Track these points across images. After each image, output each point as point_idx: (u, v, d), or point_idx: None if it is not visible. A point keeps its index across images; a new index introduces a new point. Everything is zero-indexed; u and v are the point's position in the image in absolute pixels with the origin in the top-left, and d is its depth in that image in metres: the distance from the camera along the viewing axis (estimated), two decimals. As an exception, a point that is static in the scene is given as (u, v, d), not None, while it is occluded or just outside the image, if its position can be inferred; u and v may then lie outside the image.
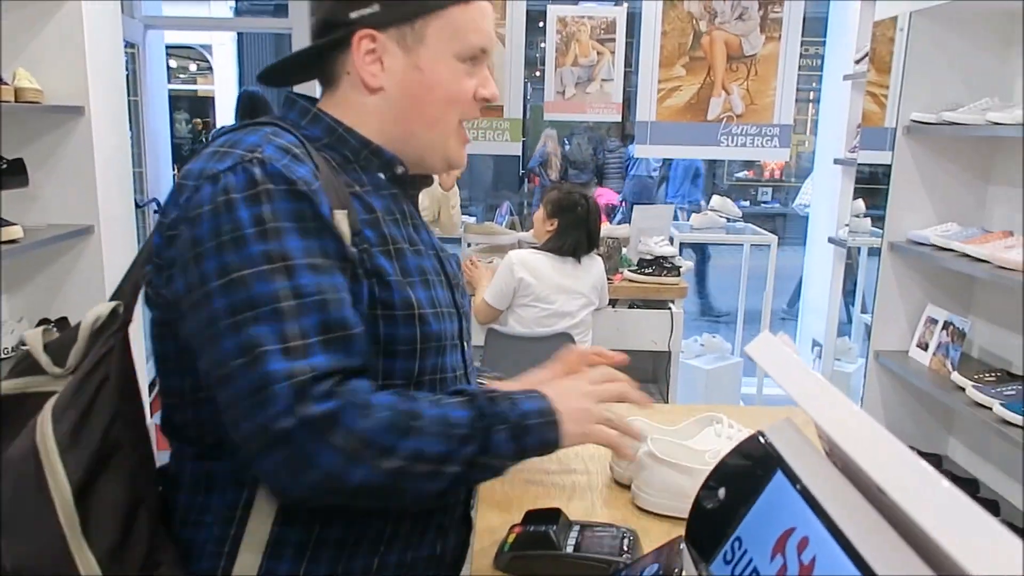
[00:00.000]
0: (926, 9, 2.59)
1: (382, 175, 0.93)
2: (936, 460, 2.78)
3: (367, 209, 0.88)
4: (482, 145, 4.07)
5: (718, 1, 3.89)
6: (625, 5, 4.14)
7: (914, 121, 2.65)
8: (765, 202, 10.60)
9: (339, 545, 0.85)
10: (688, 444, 1.08)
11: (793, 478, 0.54)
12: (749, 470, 0.58)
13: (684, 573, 0.64)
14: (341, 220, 0.82)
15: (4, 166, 2.46)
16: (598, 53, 4.02)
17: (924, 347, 2.70)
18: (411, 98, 0.91)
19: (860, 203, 3.46)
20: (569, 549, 0.90)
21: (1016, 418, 2.14)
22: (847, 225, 3.57)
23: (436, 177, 1.07)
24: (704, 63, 3.97)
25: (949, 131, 2.53)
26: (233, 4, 11.31)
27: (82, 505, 0.77)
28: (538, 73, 4.21)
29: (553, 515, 0.95)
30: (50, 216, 2.65)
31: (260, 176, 0.78)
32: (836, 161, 3.89)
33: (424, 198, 0.99)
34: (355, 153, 0.91)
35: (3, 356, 2.39)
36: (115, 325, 0.85)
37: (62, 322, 2.51)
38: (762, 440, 0.59)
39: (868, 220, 3.37)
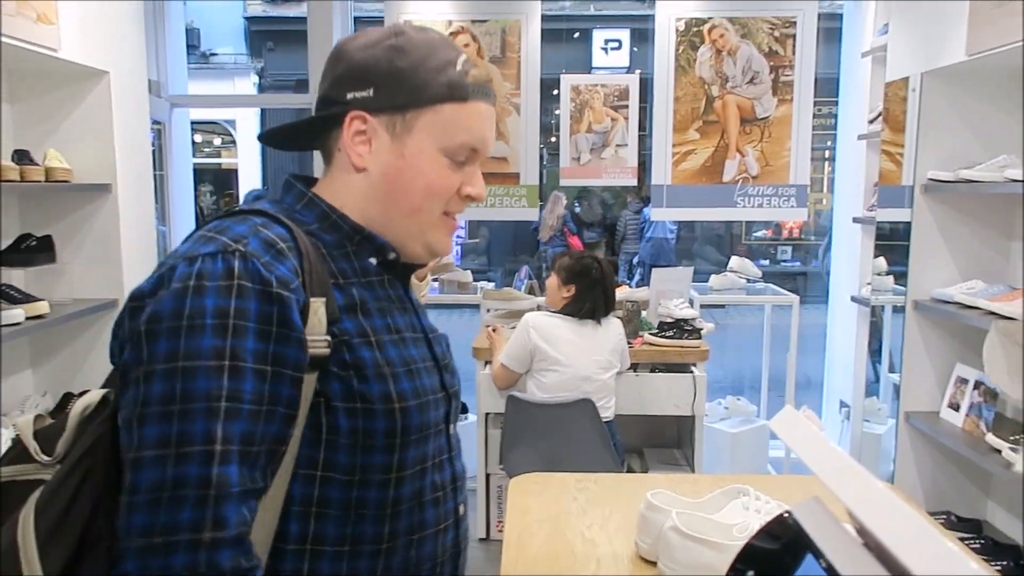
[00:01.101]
0: (937, 70, 2.61)
1: (373, 260, 0.94)
2: (976, 525, 2.68)
3: (350, 300, 0.88)
4: (499, 211, 4.12)
5: (729, 66, 3.96)
6: (638, 72, 4.23)
7: (931, 179, 2.64)
8: (785, 261, 10.58)
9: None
10: (715, 518, 1.05)
11: (823, 561, 0.51)
12: (778, 553, 0.56)
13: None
14: (318, 309, 0.82)
15: (33, 243, 2.52)
16: (612, 119, 4.09)
17: (956, 407, 2.63)
18: (391, 183, 0.91)
19: (882, 261, 3.43)
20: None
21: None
22: (869, 283, 3.54)
23: None
24: (718, 126, 4.02)
25: (967, 188, 2.52)
26: (256, 81, 11.73)
27: None
28: (554, 139, 4.28)
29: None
30: (76, 291, 2.69)
31: (238, 270, 0.78)
32: (855, 219, 3.87)
33: None
34: (347, 238, 0.92)
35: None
36: (105, 412, 0.83)
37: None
38: (790, 520, 0.57)
39: (891, 278, 3.34)
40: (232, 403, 0.75)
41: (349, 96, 0.90)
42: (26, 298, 2.35)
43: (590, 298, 2.79)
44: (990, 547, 2.54)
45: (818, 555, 0.52)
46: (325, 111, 0.92)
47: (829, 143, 6.60)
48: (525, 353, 2.79)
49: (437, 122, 0.90)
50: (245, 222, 0.84)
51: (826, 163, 8.54)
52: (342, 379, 0.84)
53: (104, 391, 0.86)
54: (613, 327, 2.88)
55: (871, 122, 3.69)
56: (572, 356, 2.75)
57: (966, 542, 2.45)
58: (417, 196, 0.92)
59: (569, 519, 1.24)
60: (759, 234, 10.67)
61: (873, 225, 3.47)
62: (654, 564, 1.06)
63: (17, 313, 2.23)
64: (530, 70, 4.03)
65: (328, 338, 0.83)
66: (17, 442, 0.85)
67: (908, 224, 2.77)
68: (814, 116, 4.04)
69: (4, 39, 2.13)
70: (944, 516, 2.68)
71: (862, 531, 0.59)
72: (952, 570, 0.41)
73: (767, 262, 10.26)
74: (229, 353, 0.75)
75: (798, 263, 10.24)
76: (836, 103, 4.41)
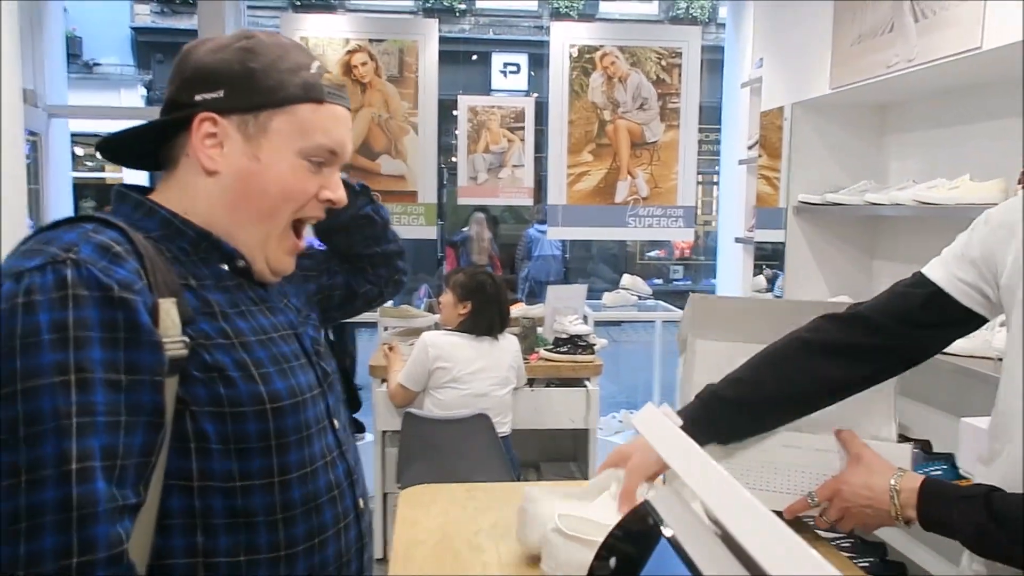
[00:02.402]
0: (805, 101, 2.82)
1: (224, 266, 0.91)
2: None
3: (205, 303, 0.86)
4: (397, 229, 4.09)
5: (620, 92, 4.13)
6: (534, 96, 4.34)
7: (802, 202, 2.84)
8: (677, 280, 11.00)
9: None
10: (596, 519, 1.09)
11: (674, 543, 0.56)
12: (636, 538, 0.60)
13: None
14: (169, 310, 0.79)
15: None
16: (508, 140, 4.17)
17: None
18: (245, 186, 0.89)
19: (761, 279, 3.64)
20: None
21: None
22: (750, 300, 3.74)
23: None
24: (610, 149, 4.17)
25: (834, 211, 2.72)
26: (145, 93, 11.26)
27: None
28: (454, 159, 4.34)
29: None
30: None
31: (71, 279, 0.73)
32: (737, 239, 4.09)
33: None
34: (193, 245, 0.89)
35: None
36: None
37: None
38: (647, 508, 0.61)
39: (770, 295, 3.55)
40: (84, 418, 0.71)
41: (198, 98, 0.87)
42: None
43: (486, 314, 2.82)
44: (858, 546, 2.71)
45: (670, 538, 0.57)
46: (171, 114, 0.89)
47: (716, 167, 6.96)
48: (423, 372, 2.79)
49: (294, 123, 0.89)
50: (74, 229, 0.79)
51: (714, 187, 8.98)
52: (205, 383, 0.82)
53: None
54: (509, 343, 2.92)
55: (750, 148, 3.92)
56: (469, 374, 2.78)
57: (834, 543, 2.61)
58: (272, 199, 0.90)
59: (457, 527, 1.26)
60: (652, 254, 11.07)
61: (752, 245, 3.68)
62: (537, 565, 1.10)
63: None
64: (427, 90, 4.07)
65: (185, 339, 0.80)
66: None
67: (783, 244, 2.95)
68: (700, 142, 4.27)
69: None
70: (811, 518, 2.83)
71: (715, 520, 0.64)
72: (793, 559, 0.45)
73: (660, 281, 10.64)
74: (74, 367, 0.71)
75: (689, 281, 10.67)
76: (719, 129, 4.67)
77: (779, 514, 0.97)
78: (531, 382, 3.17)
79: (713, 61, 4.72)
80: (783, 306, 1.97)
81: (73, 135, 4.66)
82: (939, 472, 2.23)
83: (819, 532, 1.36)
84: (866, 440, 1.17)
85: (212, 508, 0.82)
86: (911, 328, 1.11)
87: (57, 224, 0.82)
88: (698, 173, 4.39)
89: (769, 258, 3.61)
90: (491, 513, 1.32)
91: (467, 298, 2.84)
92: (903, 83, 2.34)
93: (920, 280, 1.12)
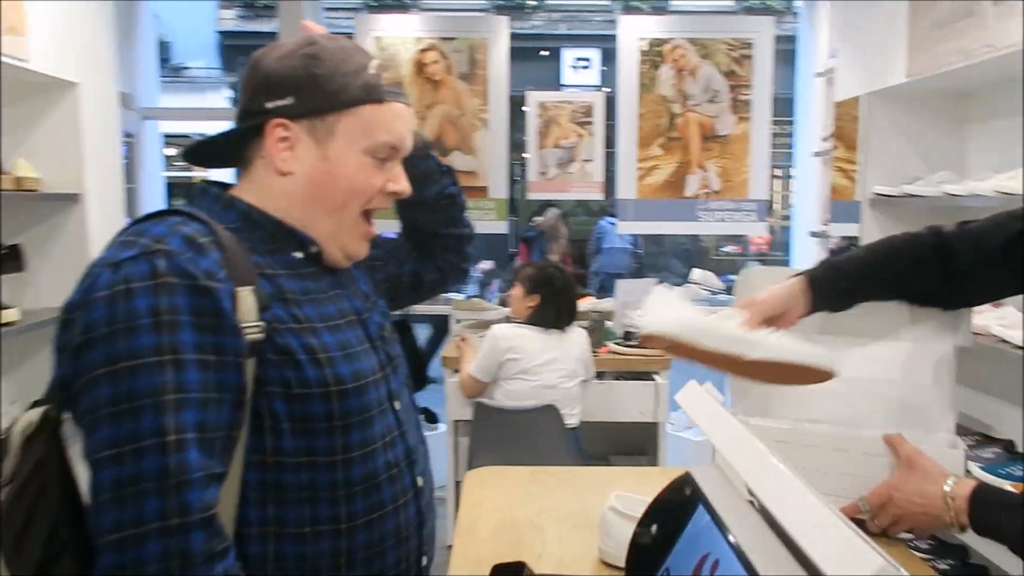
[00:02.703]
0: (881, 91, 2.75)
1: (298, 254, 0.98)
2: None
3: (279, 290, 0.92)
4: (468, 224, 4.19)
5: (690, 85, 4.10)
6: (603, 90, 4.35)
7: (877, 194, 2.77)
8: (753, 276, 10.73)
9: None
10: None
11: (711, 511, 0.59)
12: (677, 506, 0.64)
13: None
14: (246, 297, 0.85)
15: (4, 252, 2.55)
16: (578, 135, 4.20)
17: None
18: (316, 185, 0.97)
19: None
20: (530, 601, 0.93)
21: (997, 482, 2.17)
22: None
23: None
24: (680, 143, 4.15)
25: (911, 203, 2.65)
26: (231, 95, 11.72)
27: None
28: (526, 155, 4.39)
29: (517, 569, 0.99)
30: (44, 300, 2.72)
31: (163, 268, 0.80)
32: (811, 234, 4.01)
33: None
34: (271, 235, 0.97)
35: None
36: (46, 432, 0.85)
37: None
38: (688, 479, 0.64)
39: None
40: (179, 394, 0.78)
41: (269, 105, 0.94)
42: (-5, 306, 2.38)
43: (554, 306, 2.86)
44: (937, 548, 2.63)
45: (708, 506, 0.60)
46: (246, 122, 0.96)
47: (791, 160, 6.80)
48: (494, 363, 2.85)
49: (358, 123, 0.96)
50: (163, 222, 0.86)
51: (792, 180, 8.76)
52: (277, 365, 0.88)
53: (43, 409, 0.86)
54: (578, 336, 2.96)
55: (825, 140, 3.84)
56: (538, 366, 2.82)
57: (911, 544, 2.54)
58: (342, 195, 0.98)
59: (520, 507, 1.31)
60: (727, 249, 10.86)
61: (827, 239, 3.60)
62: (595, 545, 1.14)
63: (-14, 320, 2.26)
64: (498, 86, 4.13)
65: (261, 323, 0.86)
66: None
67: (858, 238, 2.89)
68: (775, 134, 4.19)
69: (-23, 51, 2.18)
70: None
71: (752, 492, 0.67)
72: (823, 531, 0.47)
73: (735, 277, 10.44)
74: (169, 348, 0.78)
75: (765, 278, 10.41)
76: (792, 122, 4.57)
77: None
78: (600, 375, 3.20)
79: (786, 52, 4.63)
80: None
81: (165, 136, 4.92)
82: (1021, 473, 2.16)
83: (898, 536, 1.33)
84: (919, 437, 1.15)
85: (282, 483, 0.89)
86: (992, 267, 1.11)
87: (147, 217, 0.89)
88: (773, 166, 4.30)
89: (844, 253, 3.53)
90: (554, 495, 1.37)
91: (535, 291, 2.88)
92: (982, 70, 2.26)
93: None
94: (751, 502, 0.61)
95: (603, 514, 1.09)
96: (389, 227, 1.28)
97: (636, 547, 0.65)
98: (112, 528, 0.75)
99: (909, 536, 2.63)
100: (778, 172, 8.25)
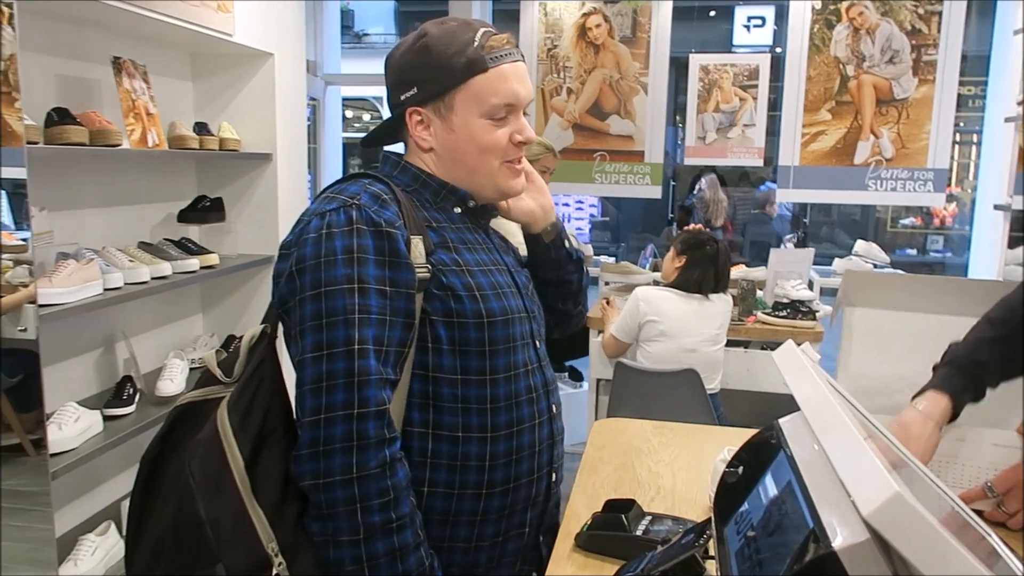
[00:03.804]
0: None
1: (458, 210, 1.18)
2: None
3: (443, 239, 1.12)
4: (623, 188, 4.23)
5: (867, 45, 3.87)
6: (769, 53, 4.19)
7: (1070, 165, 2.54)
8: (936, 250, 9.94)
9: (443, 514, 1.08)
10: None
11: (788, 456, 0.66)
12: (762, 451, 0.71)
13: (708, 533, 0.77)
14: (417, 244, 1.07)
15: (208, 204, 2.92)
16: (740, 99, 4.09)
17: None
18: (453, 152, 1.15)
19: (1019, 252, 3.29)
20: (638, 533, 1.02)
21: None
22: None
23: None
24: (851, 107, 3.94)
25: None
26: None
27: (251, 472, 1.02)
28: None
29: (628, 505, 1.08)
30: (240, 247, 3.09)
31: (356, 217, 1.03)
32: (996, 207, 3.71)
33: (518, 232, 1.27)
34: (435, 194, 1.17)
35: (196, 365, 2.80)
36: (265, 342, 1.11)
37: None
38: (775, 427, 0.71)
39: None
40: (364, 315, 1.00)
41: (402, 97, 1.14)
42: (200, 250, 2.74)
43: (700, 270, 2.86)
44: None
45: (787, 453, 0.67)
46: (393, 113, 1.17)
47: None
48: (634, 325, 2.91)
49: (469, 95, 1.11)
50: (356, 183, 1.11)
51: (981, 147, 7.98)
52: (441, 299, 1.08)
53: (263, 326, 1.13)
54: (723, 303, 2.95)
55: (1020, 103, 3.51)
56: (678, 328, 2.85)
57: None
58: (475, 157, 1.15)
59: (641, 455, 1.40)
60: (906, 221, 10.09)
61: (1010, 212, 3.33)
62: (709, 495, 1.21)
63: (193, 263, 2.62)
64: (658, 49, 4.11)
65: (428, 265, 1.07)
66: (205, 371, 1.14)
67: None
68: (962, 96, 3.87)
69: (192, 27, 2.49)
70: None
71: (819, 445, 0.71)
72: (862, 466, 0.52)
73: (914, 252, 9.71)
74: (357, 278, 1.01)
75: (948, 253, 9.60)
76: (986, 83, 4.19)
77: None
78: (746, 344, 3.17)
79: (982, 6, 4.22)
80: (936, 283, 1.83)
81: (344, 99, 5.30)
82: None
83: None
84: None
85: (440, 394, 1.09)
86: None
87: (344, 179, 1.13)
88: (959, 132, 3.99)
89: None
90: (675, 447, 1.44)
91: (684, 252, 2.90)
92: None
93: None
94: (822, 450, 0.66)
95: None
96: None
97: (723, 486, 0.73)
98: (311, 412, 0.98)
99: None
100: (968, 138, 7.54)
